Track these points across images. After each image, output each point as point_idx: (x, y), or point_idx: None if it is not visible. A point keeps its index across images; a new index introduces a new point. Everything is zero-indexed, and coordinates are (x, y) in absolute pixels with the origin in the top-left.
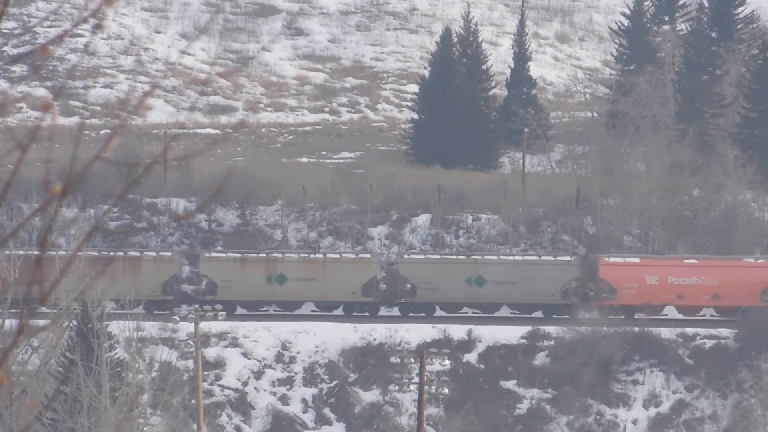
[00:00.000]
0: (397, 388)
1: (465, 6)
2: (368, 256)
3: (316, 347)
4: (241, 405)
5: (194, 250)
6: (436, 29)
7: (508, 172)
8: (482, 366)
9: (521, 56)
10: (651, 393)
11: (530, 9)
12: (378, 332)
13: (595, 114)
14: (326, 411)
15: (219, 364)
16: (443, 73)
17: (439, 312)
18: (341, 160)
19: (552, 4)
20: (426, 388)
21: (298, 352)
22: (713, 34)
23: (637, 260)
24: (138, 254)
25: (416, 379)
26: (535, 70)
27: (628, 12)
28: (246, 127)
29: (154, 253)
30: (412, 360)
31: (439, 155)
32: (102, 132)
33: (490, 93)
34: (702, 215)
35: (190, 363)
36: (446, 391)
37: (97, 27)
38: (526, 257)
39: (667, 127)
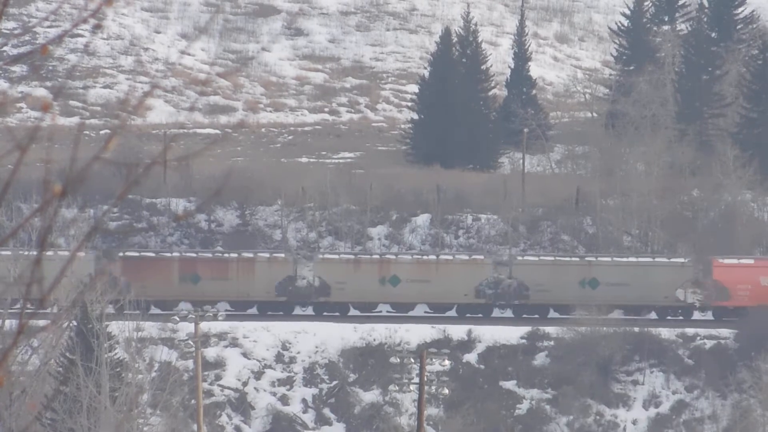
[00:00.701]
0: (397, 388)
1: (465, 6)
2: (481, 257)
3: (316, 347)
4: (241, 405)
5: (309, 251)
6: (435, 29)
7: (508, 172)
8: (482, 366)
9: (521, 56)
10: (651, 393)
11: (530, 9)
12: (378, 332)
13: (594, 114)
14: (326, 411)
15: (219, 364)
16: (443, 74)
17: (552, 314)
18: (341, 160)
19: (551, 5)
20: (426, 388)
21: (298, 352)
22: (713, 35)
23: (751, 261)
24: (252, 255)
25: (416, 380)
26: (534, 70)
27: (627, 12)
28: (246, 127)
29: (267, 254)
30: (412, 360)
31: (438, 155)
32: (102, 132)
33: (490, 93)
34: (702, 215)
35: (190, 363)
36: (446, 391)
37: (97, 27)
38: (641, 259)
39: (666, 127)
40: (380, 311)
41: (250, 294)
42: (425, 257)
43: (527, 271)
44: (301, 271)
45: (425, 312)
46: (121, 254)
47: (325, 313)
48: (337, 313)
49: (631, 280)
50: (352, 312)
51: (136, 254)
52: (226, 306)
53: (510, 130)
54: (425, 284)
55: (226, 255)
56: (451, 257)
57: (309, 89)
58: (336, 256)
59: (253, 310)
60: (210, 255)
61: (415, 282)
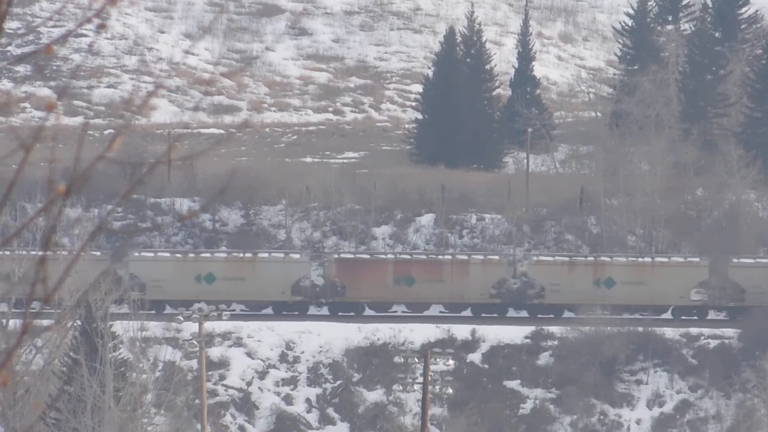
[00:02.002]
0: (401, 388)
1: (469, 6)
2: (696, 259)
3: (320, 347)
4: (245, 405)
5: (523, 253)
6: (439, 29)
7: (512, 172)
8: (486, 366)
9: (525, 56)
10: (655, 393)
11: (534, 9)
12: (382, 332)
13: (598, 114)
14: (330, 411)
15: (223, 364)
16: (447, 73)
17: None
18: (345, 160)
19: (556, 4)
20: (430, 387)
21: (302, 352)
22: (717, 34)
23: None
24: (466, 257)
25: (420, 379)
26: (538, 69)
27: (631, 12)
28: (250, 127)
29: (482, 256)
30: (416, 360)
31: (442, 155)
32: (106, 132)
33: (494, 93)
34: (706, 215)
35: (194, 363)
36: (450, 390)
37: (101, 27)
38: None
39: (670, 127)
40: (592, 314)
41: (464, 296)
42: (640, 259)
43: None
44: (515, 273)
45: (639, 315)
46: (336, 256)
47: (539, 315)
48: (551, 315)
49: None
50: (567, 314)
51: (351, 256)
52: (440, 308)
53: (514, 130)
54: (640, 287)
55: (440, 257)
56: (666, 259)
57: (313, 89)
58: (550, 258)
59: (467, 312)
60: (424, 257)
61: (630, 284)
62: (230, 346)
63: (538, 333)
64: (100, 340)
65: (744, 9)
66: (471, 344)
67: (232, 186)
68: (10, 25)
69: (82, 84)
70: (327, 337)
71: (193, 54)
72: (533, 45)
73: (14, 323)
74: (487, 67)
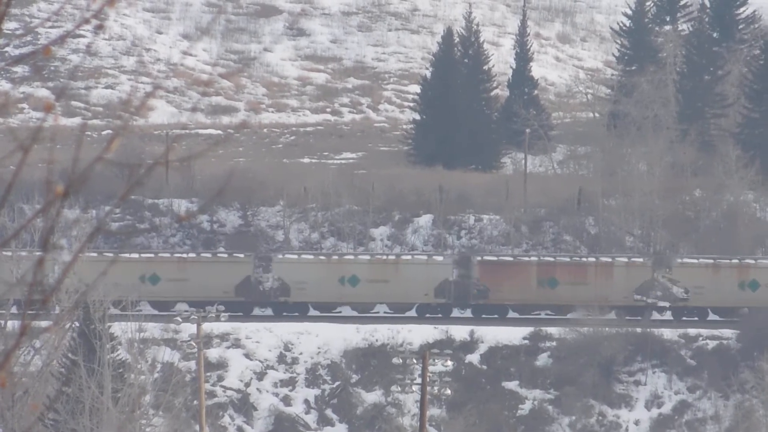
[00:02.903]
0: (399, 388)
1: (466, 6)
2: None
3: (319, 348)
4: (244, 406)
5: (665, 254)
6: (437, 30)
7: (510, 172)
8: (484, 367)
9: (523, 57)
10: (653, 394)
11: (532, 9)
12: (380, 333)
13: (596, 114)
14: (328, 412)
15: (221, 365)
16: (445, 74)
17: (712, 316)
18: (343, 161)
19: (553, 5)
20: (428, 388)
21: (301, 353)
22: (715, 35)
23: None
24: (610, 260)
25: (419, 380)
26: (536, 70)
27: (629, 12)
28: (248, 127)
29: (626, 259)
30: (415, 361)
31: (440, 156)
32: (104, 133)
33: (492, 93)
34: (704, 216)
35: (193, 364)
36: (448, 391)
37: (99, 28)
38: None
39: (668, 128)
40: (737, 320)
41: (608, 298)
42: None
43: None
44: (657, 276)
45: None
46: (479, 258)
47: (683, 318)
48: (696, 318)
49: None
50: (712, 317)
51: (494, 258)
52: (585, 311)
53: (512, 131)
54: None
55: (584, 259)
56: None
57: (311, 90)
58: (695, 261)
59: (612, 315)
60: (568, 259)
61: None
62: (228, 348)
63: (537, 334)
64: (99, 342)
65: (742, 9)
66: (469, 345)
67: (230, 187)
68: (8, 25)
69: (80, 85)
70: (325, 338)
71: (191, 55)
72: (531, 46)
73: (12, 324)
74: (485, 67)
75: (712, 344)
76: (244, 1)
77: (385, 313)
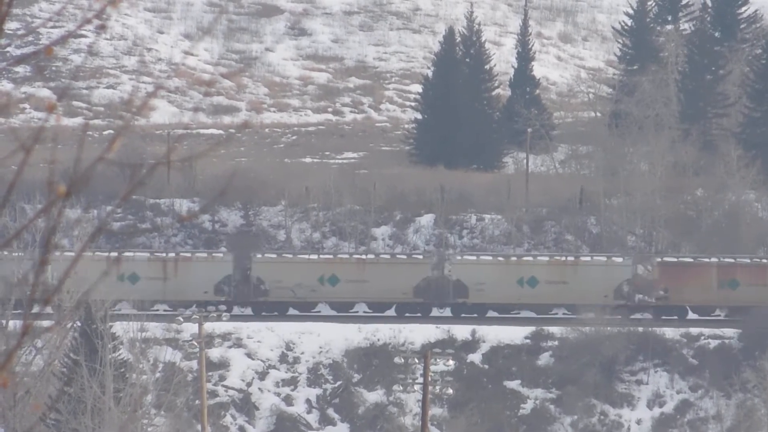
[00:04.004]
0: (401, 388)
1: (468, 6)
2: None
3: (320, 348)
4: (245, 405)
5: None
6: (439, 29)
7: (512, 172)
8: (486, 366)
9: (524, 56)
10: (655, 393)
11: (533, 9)
12: (382, 332)
13: (598, 114)
14: (330, 411)
15: (223, 364)
16: (446, 73)
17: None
18: (344, 161)
19: (555, 4)
20: (430, 388)
21: (302, 353)
22: (716, 34)
23: None
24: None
25: (420, 380)
26: (538, 70)
27: (631, 12)
28: (249, 127)
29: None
30: (416, 360)
31: (442, 155)
32: (106, 133)
33: (494, 93)
34: (705, 215)
35: (194, 364)
36: (450, 391)
37: (101, 28)
38: None
39: (670, 127)
40: None
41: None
42: None
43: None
44: None
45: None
46: (659, 259)
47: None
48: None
49: None
50: None
51: (675, 259)
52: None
53: (514, 130)
54: None
55: (765, 261)
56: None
57: (312, 89)
58: None
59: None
60: (748, 260)
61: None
62: (230, 347)
63: (538, 333)
64: (100, 341)
65: (743, 9)
66: (471, 344)
67: (231, 187)
68: (10, 25)
69: (82, 85)
70: (327, 338)
71: (192, 55)
72: (533, 45)
73: (14, 324)
74: (487, 67)
75: (714, 343)
76: (246, 1)
77: (563, 314)
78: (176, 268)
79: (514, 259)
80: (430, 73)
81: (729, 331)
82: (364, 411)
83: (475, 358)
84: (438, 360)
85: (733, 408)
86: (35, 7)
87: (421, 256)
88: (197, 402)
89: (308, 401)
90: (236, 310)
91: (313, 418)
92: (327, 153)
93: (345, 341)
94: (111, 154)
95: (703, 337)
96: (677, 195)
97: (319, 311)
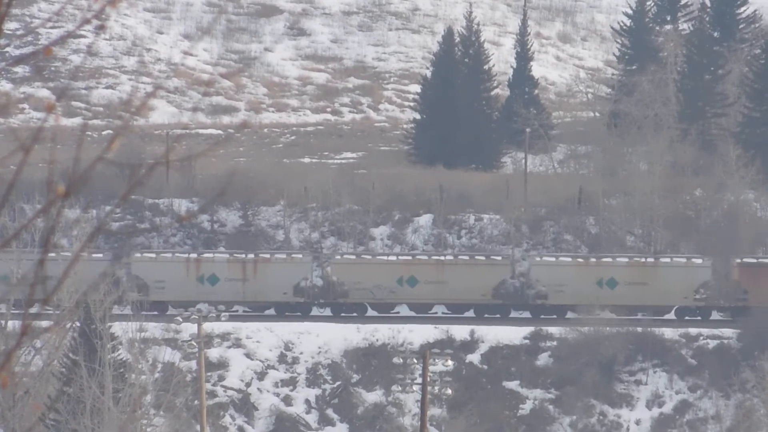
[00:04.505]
0: (400, 388)
1: (467, 6)
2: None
3: (319, 348)
4: (244, 406)
5: None
6: (438, 29)
7: (511, 172)
8: (485, 366)
9: (523, 56)
10: (654, 393)
11: (532, 9)
12: (381, 333)
13: (597, 114)
14: (329, 412)
15: (222, 364)
16: (445, 73)
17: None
18: (343, 161)
19: (554, 4)
20: (429, 388)
21: (301, 353)
22: (715, 34)
23: None
24: None
25: (419, 380)
26: (537, 70)
27: (630, 12)
28: (248, 127)
29: None
30: (415, 360)
31: (441, 155)
32: (105, 133)
33: (492, 93)
34: (704, 215)
35: (193, 364)
36: (449, 391)
37: (100, 28)
38: None
39: (669, 127)
40: None
41: None
42: None
43: None
44: None
45: None
46: (738, 260)
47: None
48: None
49: None
50: None
51: (755, 260)
52: None
53: (512, 130)
54: None
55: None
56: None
57: (311, 89)
58: None
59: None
60: None
61: None
62: (229, 347)
63: (537, 333)
64: (99, 341)
65: (742, 9)
66: (470, 345)
67: (230, 187)
68: (9, 26)
69: (81, 85)
70: (326, 338)
71: (191, 55)
72: (531, 45)
73: (13, 324)
74: (486, 67)
75: (712, 344)
76: (245, 1)
77: (642, 315)
78: (255, 269)
79: (593, 260)
80: (428, 73)
81: (728, 332)
82: (363, 411)
83: (474, 358)
84: (437, 360)
85: (732, 408)
86: (34, 7)
87: (500, 258)
88: (196, 402)
89: (307, 401)
90: (315, 311)
91: (312, 419)
92: (326, 153)
93: (344, 341)
94: (110, 154)
95: (702, 338)
96: (676, 195)
97: (398, 312)
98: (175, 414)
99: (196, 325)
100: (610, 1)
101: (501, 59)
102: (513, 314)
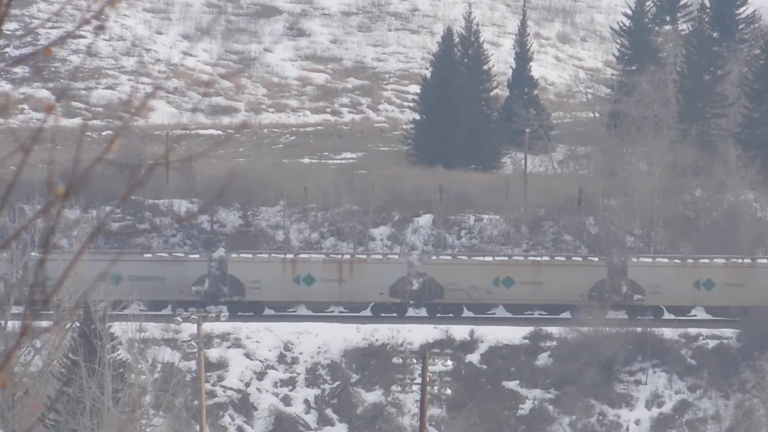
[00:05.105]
0: (399, 388)
1: (466, 6)
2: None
3: (319, 348)
4: (244, 406)
5: None
6: (437, 30)
7: (510, 172)
8: (484, 366)
9: (523, 56)
10: (653, 393)
11: (531, 9)
12: (380, 333)
13: (596, 114)
14: (328, 412)
15: (221, 365)
16: (445, 74)
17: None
18: (343, 161)
19: (553, 5)
20: (428, 388)
21: (301, 353)
22: (715, 34)
23: None
24: None
25: (419, 380)
26: (536, 70)
27: (629, 12)
28: (248, 128)
29: None
30: (415, 360)
31: (440, 156)
32: (104, 133)
33: (492, 93)
34: (704, 215)
35: (193, 364)
36: (448, 391)
37: (100, 28)
38: None
39: (668, 127)
40: None
41: None
42: None
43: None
44: None
45: None
46: None
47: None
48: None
49: None
50: None
51: None
52: None
53: (512, 131)
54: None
55: None
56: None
57: (311, 90)
58: None
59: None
60: None
61: None
62: (229, 347)
63: (537, 333)
64: (99, 342)
65: (742, 9)
66: (469, 345)
67: (230, 187)
68: (9, 26)
69: (81, 85)
70: (325, 338)
71: (191, 55)
72: (531, 45)
73: (13, 324)
74: (485, 67)
75: (712, 344)
76: (244, 2)
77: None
78: (351, 270)
79: (690, 261)
80: (428, 73)
81: (727, 332)
82: (363, 411)
83: (474, 358)
84: (436, 360)
85: (731, 408)
86: (34, 7)
87: (596, 258)
88: (196, 402)
89: (306, 401)
90: (411, 312)
91: (311, 419)
92: (325, 153)
93: (343, 341)
94: (110, 154)
95: (701, 338)
96: (676, 195)
97: (494, 313)
98: (174, 414)
99: (195, 325)
100: (610, 1)
101: (500, 60)
102: (610, 315)
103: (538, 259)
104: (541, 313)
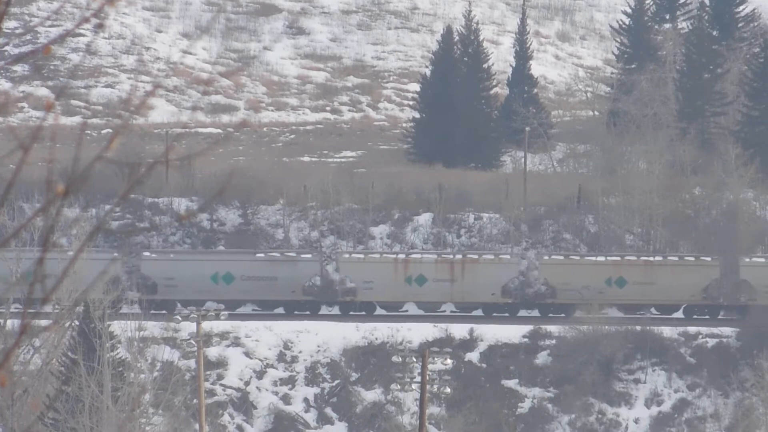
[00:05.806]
0: (398, 387)
1: (466, 5)
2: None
3: (318, 347)
4: (243, 404)
5: None
6: (437, 28)
7: (510, 171)
8: (484, 365)
9: (522, 55)
10: (653, 392)
11: (531, 8)
12: (380, 331)
13: (596, 113)
14: (328, 410)
15: (221, 363)
16: (444, 72)
17: None
18: (343, 160)
19: (553, 3)
20: (428, 387)
21: (300, 352)
22: (714, 33)
23: None
24: None
25: (418, 378)
26: (536, 68)
27: (629, 10)
28: (247, 126)
29: None
30: (414, 359)
31: (440, 154)
32: (104, 132)
33: (492, 92)
34: (703, 214)
35: (192, 362)
36: (448, 390)
37: (99, 27)
38: None
39: (668, 126)
40: None
41: None
42: None
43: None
44: None
45: None
46: None
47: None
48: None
49: None
50: None
51: None
52: None
53: (512, 129)
54: None
55: None
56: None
57: (311, 88)
58: None
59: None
60: None
61: None
62: (228, 346)
63: (536, 332)
64: (98, 340)
65: (741, 7)
66: (469, 343)
67: (229, 186)
68: (8, 24)
69: (80, 84)
70: (325, 337)
71: (190, 53)
72: (531, 44)
73: (12, 323)
74: (485, 66)
75: (711, 342)
76: (244, 0)
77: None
78: (463, 270)
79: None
80: (428, 72)
81: (727, 330)
82: (362, 410)
83: (473, 357)
84: (436, 359)
85: (731, 407)
86: (33, 5)
87: (709, 258)
88: (195, 401)
89: (306, 400)
90: (522, 312)
91: (311, 417)
92: (325, 152)
93: (343, 340)
94: (109, 153)
95: (700, 336)
96: (675, 194)
97: (606, 313)
98: (173, 413)
99: (194, 323)
100: None
101: (500, 58)
102: (721, 315)
103: (651, 258)
104: (654, 313)
